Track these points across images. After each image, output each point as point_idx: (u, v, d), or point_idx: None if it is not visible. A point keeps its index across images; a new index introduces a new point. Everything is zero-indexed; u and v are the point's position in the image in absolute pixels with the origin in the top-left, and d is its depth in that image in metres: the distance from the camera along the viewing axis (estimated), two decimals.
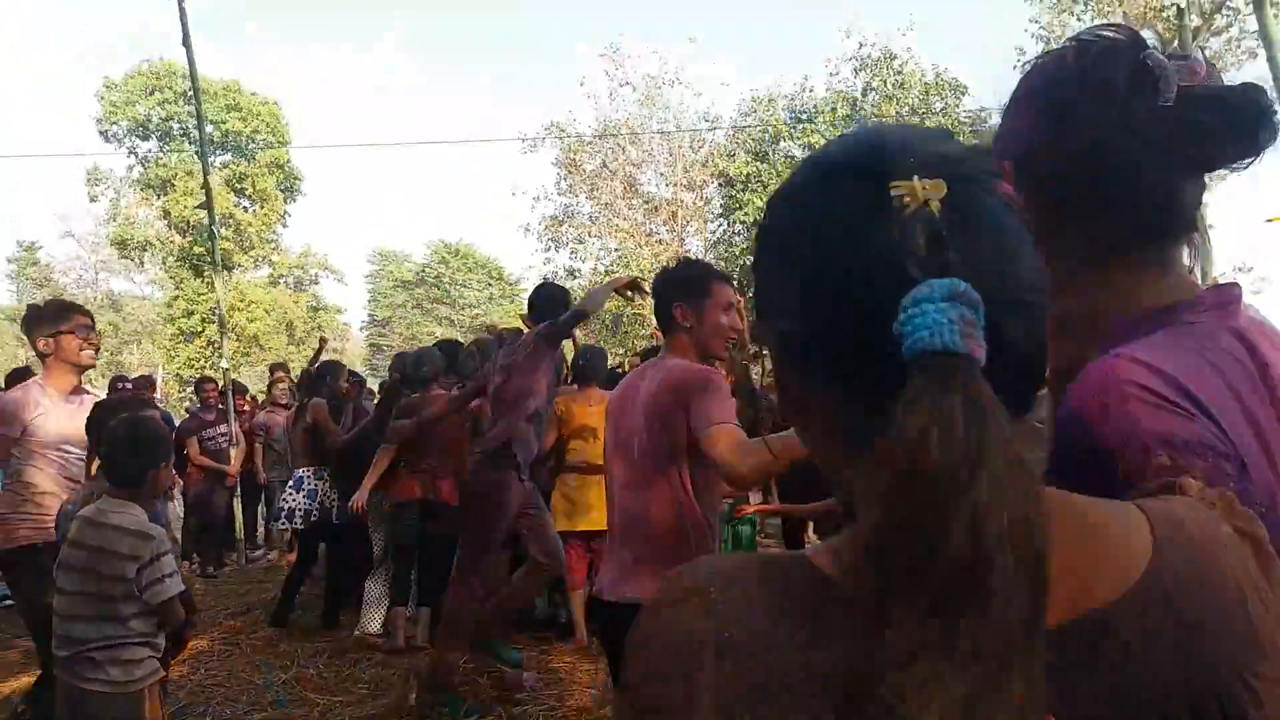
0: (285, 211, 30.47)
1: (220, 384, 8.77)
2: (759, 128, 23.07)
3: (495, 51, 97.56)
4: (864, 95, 22.20)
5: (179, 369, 28.12)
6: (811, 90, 23.41)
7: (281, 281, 35.52)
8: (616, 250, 25.37)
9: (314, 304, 39.30)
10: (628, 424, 2.49)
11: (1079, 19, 20.74)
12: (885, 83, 21.78)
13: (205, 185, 9.44)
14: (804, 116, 22.81)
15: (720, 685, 0.55)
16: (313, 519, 5.88)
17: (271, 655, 5.26)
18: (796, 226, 0.65)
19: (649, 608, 0.62)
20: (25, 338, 3.71)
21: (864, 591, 0.52)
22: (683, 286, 2.58)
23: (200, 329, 28.25)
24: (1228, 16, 19.45)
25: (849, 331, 0.59)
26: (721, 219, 24.93)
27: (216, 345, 28.17)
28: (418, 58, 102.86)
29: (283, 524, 6.11)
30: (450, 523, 5.44)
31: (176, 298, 28.89)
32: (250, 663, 5.15)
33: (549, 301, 4.54)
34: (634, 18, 73.82)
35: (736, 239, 24.13)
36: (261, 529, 9.92)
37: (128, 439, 2.79)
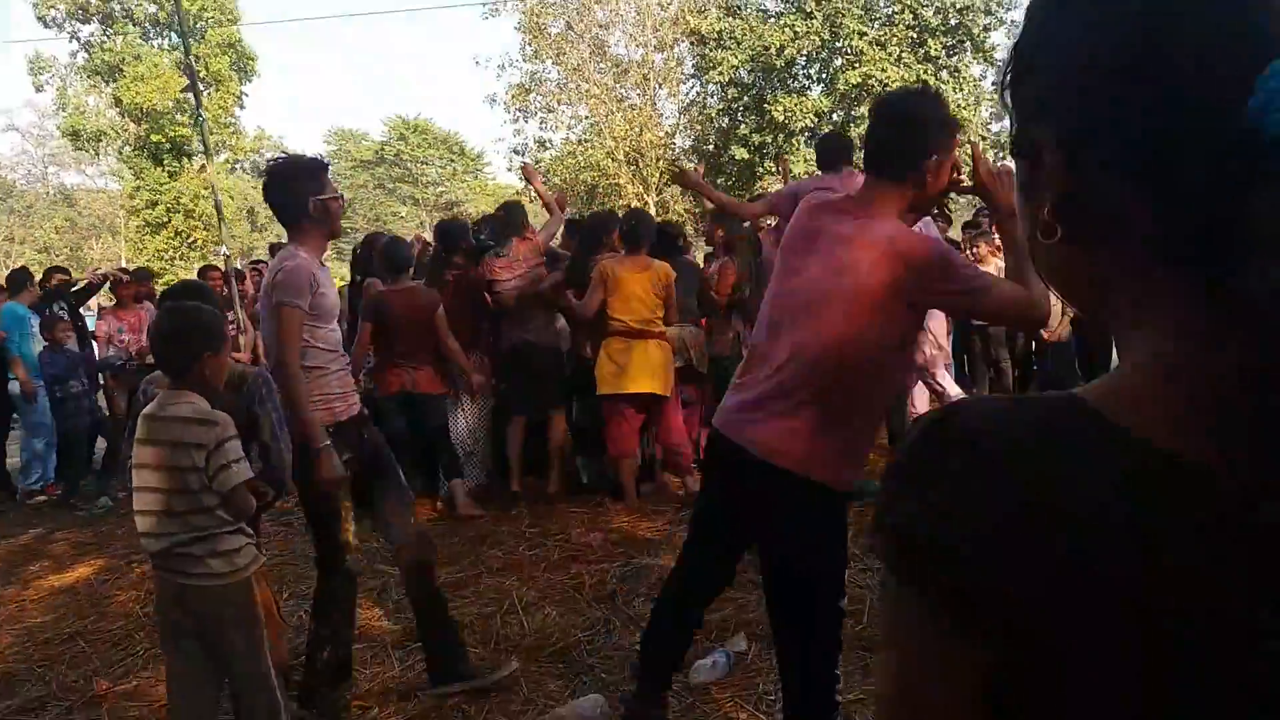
0: (241, 93, 29.31)
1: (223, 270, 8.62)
2: None
3: None
4: None
5: (148, 262, 27.49)
6: None
7: (238, 166, 34.51)
8: (588, 118, 24.81)
9: None
10: (823, 279, 2.22)
11: None
12: None
13: (190, 71, 9.05)
14: None
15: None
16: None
17: None
18: None
19: (927, 433, 0.56)
20: (280, 195, 3.21)
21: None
22: (942, 134, 2.21)
23: (166, 219, 27.49)
24: None
25: (1181, 115, 0.50)
26: (694, 79, 24.35)
27: (184, 235, 27.61)
28: None
29: None
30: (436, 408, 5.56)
31: (139, 189, 27.98)
32: (305, 539, 5.22)
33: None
34: None
35: (710, 100, 23.63)
36: None
37: (169, 329, 2.67)
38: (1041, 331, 7.47)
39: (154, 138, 27.03)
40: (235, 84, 28.67)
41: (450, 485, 5.54)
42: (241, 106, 29.86)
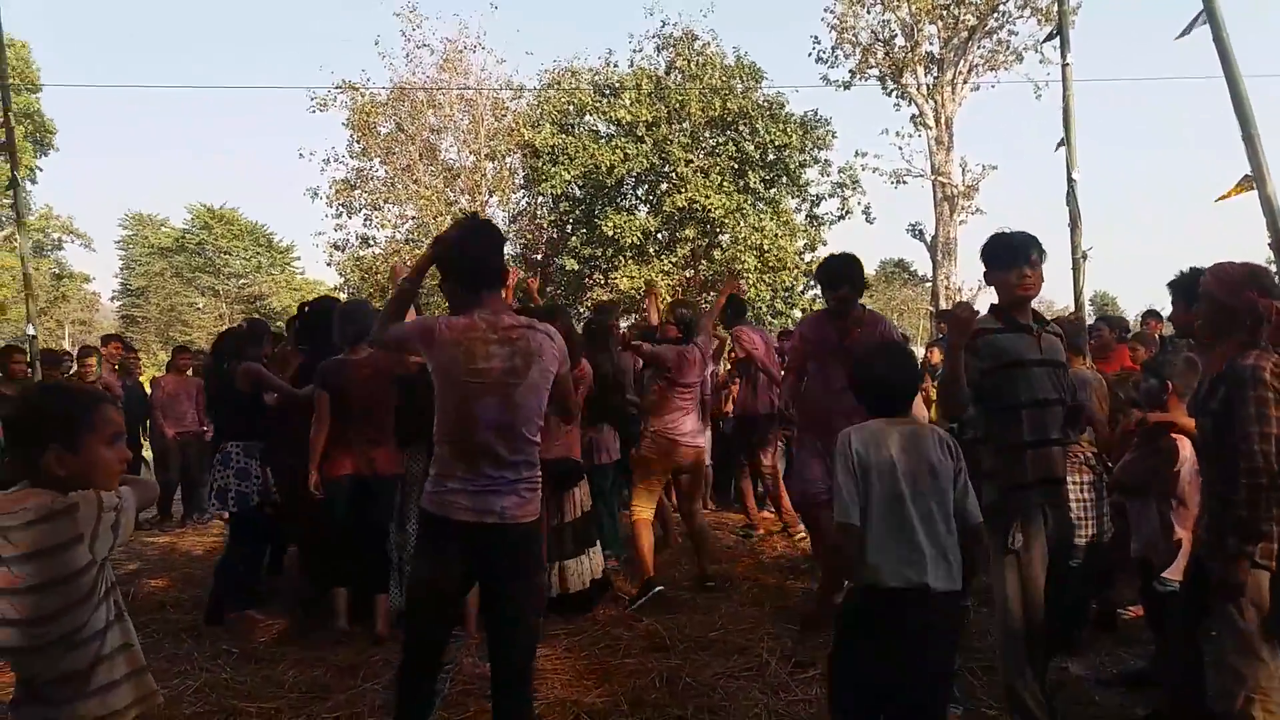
0: (35, 166, 27.09)
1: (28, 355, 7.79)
2: (564, 99, 22.90)
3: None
4: (667, 73, 22.53)
5: None
6: (615, 65, 23.54)
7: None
8: (415, 218, 24.50)
9: (56, 271, 35.62)
10: None
11: (869, 10, 22.07)
12: (689, 63, 22.18)
13: (7, 126, 8.25)
14: (608, 91, 22.86)
15: None
16: (251, 503, 5.12)
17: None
18: None
19: None
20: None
21: None
22: None
23: None
24: (1000, 19, 21.31)
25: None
26: (525, 190, 24.62)
27: None
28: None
29: (214, 506, 5.33)
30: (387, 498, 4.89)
31: None
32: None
33: None
34: None
35: (541, 211, 23.92)
36: None
37: None
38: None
39: None
40: (30, 156, 26.57)
41: (376, 600, 4.79)
42: (34, 181, 27.64)
